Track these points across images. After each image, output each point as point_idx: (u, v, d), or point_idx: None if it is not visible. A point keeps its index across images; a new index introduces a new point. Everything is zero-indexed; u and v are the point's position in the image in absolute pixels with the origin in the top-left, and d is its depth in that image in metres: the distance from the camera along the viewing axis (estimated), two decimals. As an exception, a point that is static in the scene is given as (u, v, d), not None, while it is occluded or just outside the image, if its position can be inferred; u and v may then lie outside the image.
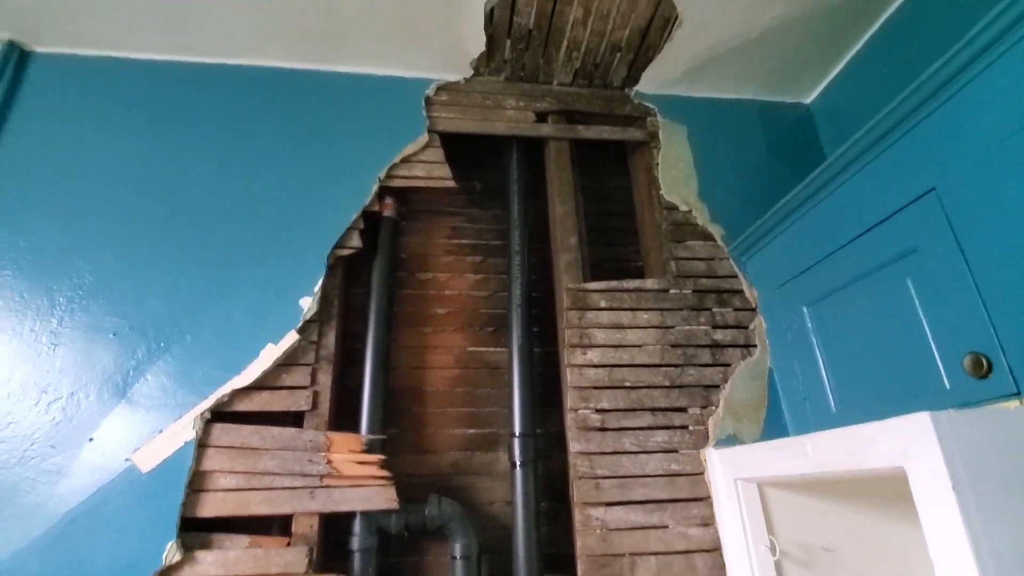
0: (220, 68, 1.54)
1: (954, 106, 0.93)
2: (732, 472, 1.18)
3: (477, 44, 1.53)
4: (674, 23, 1.49)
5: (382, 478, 1.18)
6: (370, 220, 1.47)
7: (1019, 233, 0.83)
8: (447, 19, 1.45)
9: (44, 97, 1.45)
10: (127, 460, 1.13)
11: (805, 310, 1.28)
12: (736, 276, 1.50)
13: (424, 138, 1.54)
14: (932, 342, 0.97)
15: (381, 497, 1.17)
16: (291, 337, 1.26)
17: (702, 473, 1.28)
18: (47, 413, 1.15)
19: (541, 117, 1.66)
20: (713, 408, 1.35)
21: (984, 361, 0.87)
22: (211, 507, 1.11)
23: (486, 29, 1.48)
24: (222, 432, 1.17)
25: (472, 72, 1.65)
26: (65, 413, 1.16)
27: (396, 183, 1.48)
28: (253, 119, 1.50)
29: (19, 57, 1.47)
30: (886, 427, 0.79)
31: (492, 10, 1.43)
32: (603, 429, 1.30)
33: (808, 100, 1.79)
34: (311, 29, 1.47)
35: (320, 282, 1.32)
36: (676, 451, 1.30)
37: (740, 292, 1.48)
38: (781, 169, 1.68)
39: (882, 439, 0.81)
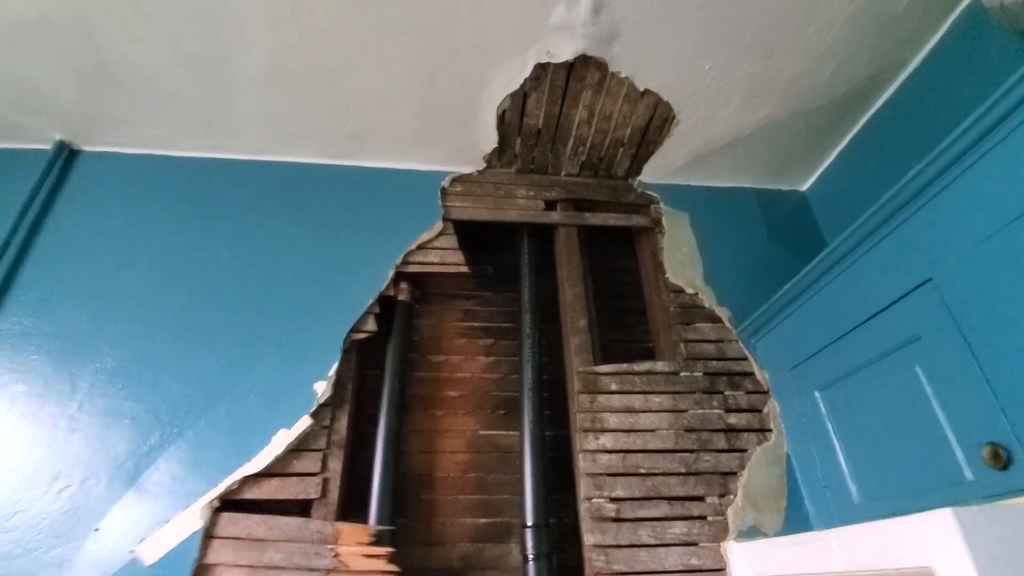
0: (249, 164, 1.67)
1: (941, 202, 0.98)
2: (756, 569, 1.13)
3: (489, 141, 1.65)
4: (671, 122, 1.61)
5: (391, 573, 1.14)
6: (385, 304, 1.51)
7: (1019, 327, 0.85)
8: (463, 122, 1.58)
9: (85, 191, 1.56)
10: (131, 552, 1.10)
11: (818, 394, 1.28)
12: (746, 358, 1.51)
13: (439, 226, 1.62)
14: (948, 431, 0.96)
15: (388, 595, 1.12)
16: (304, 422, 1.26)
17: (723, 569, 1.22)
18: (56, 501, 1.14)
19: (550, 205, 1.76)
20: (731, 497, 1.31)
21: (1003, 453, 0.86)
22: (212, 605, 1.07)
23: (498, 128, 1.61)
24: (229, 522, 1.15)
25: (485, 165, 1.76)
26: (73, 501, 1.15)
27: (412, 269, 1.55)
28: (277, 210, 1.59)
29: (67, 156, 1.61)
30: (911, 524, 0.78)
31: (504, 112, 1.56)
32: (618, 520, 1.26)
33: (803, 188, 1.89)
34: (337, 131, 1.60)
35: (335, 366, 1.35)
36: (695, 544, 1.25)
37: (751, 375, 1.49)
38: (782, 253, 1.73)
39: (908, 537, 0.79)
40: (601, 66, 1.44)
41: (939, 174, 0.98)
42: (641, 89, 1.50)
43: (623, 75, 1.46)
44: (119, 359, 1.31)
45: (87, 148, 1.64)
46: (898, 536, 0.80)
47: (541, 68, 1.44)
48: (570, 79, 1.48)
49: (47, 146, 1.58)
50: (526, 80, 1.46)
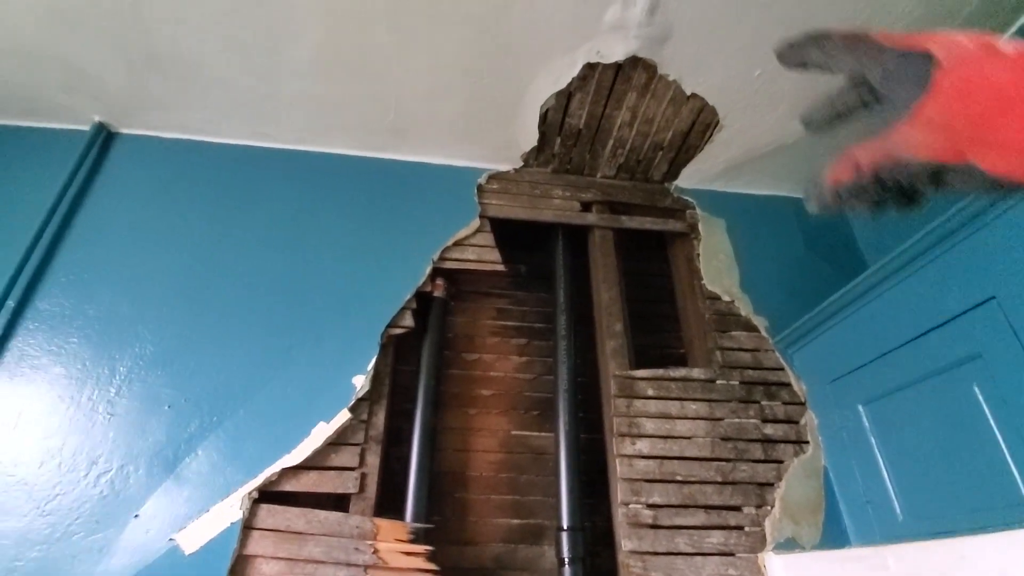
0: (287, 153, 1.66)
1: (1008, 220, 0.97)
2: (797, 581, 1.12)
3: (530, 140, 1.64)
4: (714, 127, 1.60)
5: (429, 572, 1.13)
6: (420, 300, 1.50)
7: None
8: (505, 119, 1.57)
9: (123, 174, 1.56)
10: (171, 540, 1.10)
11: (861, 408, 1.26)
12: (783, 369, 1.50)
13: (476, 223, 1.61)
14: (1006, 451, 0.95)
15: (426, 593, 1.12)
16: (343, 415, 1.26)
17: (761, 580, 1.21)
18: (95, 486, 1.14)
19: (586, 207, 1.75)
20: (768, 508, 1.30)
21: (1070, 476, 0.84)
22: (251, 597, 1.06)
23: (539, 127, 1.59)
24: (268, 514, 1.14)
25: (522, 163, 1.75)
26: (113, 487, 1.14)
27: (448, 265, 1.54)
28: (314, 201, 1.58)
29: (105, 137, 1.60)
30: (983, 543, 0.76)
31: (547, 111, 1.55)
32: (655, 526, 1.25)
33: (840, 199, 1.87)
34: (378, 123, 1.59)
35: (373, 360, 1.34)
36: (733, 554, 1.24)
37: (788, 385, 1.48)
38: (820, 264, 1.72)
39: (978, 555, 0.78)
40: (650, 68, 1.42)
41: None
42: (688, 93, 1.49)
43: (671, 78, 1.45)
44: (158, 345, 1.30)
45: (125, 131, 1.63)
46: (967, 555, 0.79)
47: (589, 68, 1.42)
48: (617, 80, 1.47)
49: (85, 127, 1.57)
50: (573, 79, 1.44)
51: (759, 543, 1.26)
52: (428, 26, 1.30)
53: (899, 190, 0.28)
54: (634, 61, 1.40)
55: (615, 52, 1.37)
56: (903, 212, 0.30)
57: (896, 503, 1.15)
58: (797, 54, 0.34)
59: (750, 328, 1.56)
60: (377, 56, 1.38)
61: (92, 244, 1.42)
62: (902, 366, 1.16)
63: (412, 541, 1.17)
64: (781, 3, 1.25)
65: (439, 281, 1.55)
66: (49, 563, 1.05)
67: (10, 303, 1.30)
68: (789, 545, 1.25)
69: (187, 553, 1.08)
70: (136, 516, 1.12)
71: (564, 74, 1.44)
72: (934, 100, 0.25)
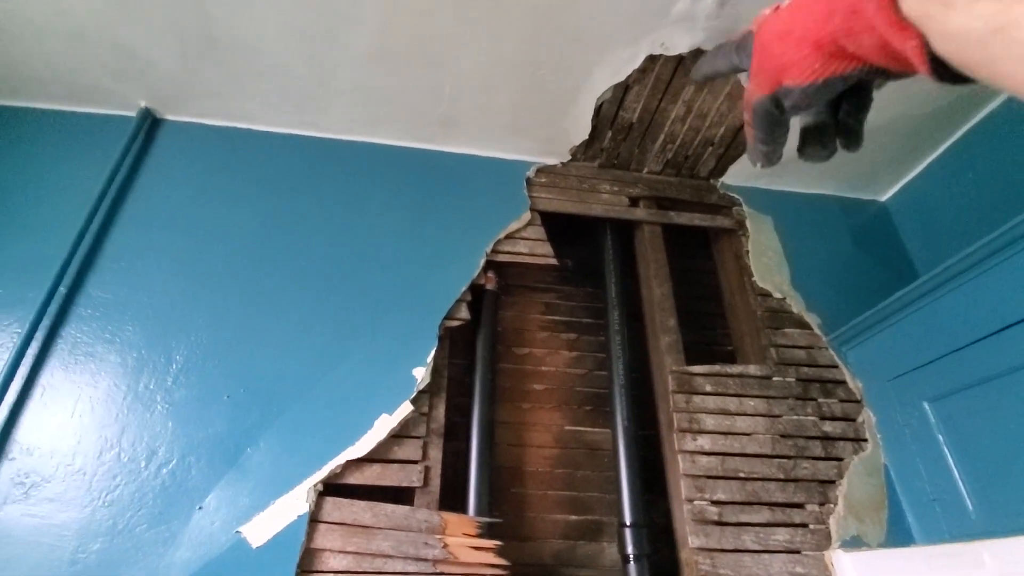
0: (337, 143, 1.63)
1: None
2: (871, 579, 1.11)
3: (581, 133, 1.63)
4: (768, 123, 1.58)
5: (499, 567, 1.11)
6: (472, 293, 1.48)
7: None
8: (559, 112, 1.55)
9: (170, 161, 1.53)
10: (237, 532, 1.07)
11: (927, 406, 1.26)
12: (837, 366, 1.49)
13: (527, 216, 1.59)
14: (1095, 448, 0.94)
15: (496, 589, 1.10)
16: (405, 408, 1.23)
17: (829, 578, 1.20)
18: (156, 477, 1.11)
19: (633, 202, 1.73)
20: (831, 506, 1.29)
21: None
22: (320, 591, 1.04)
23: (592, 120, 1.58)
24: (334, 507, 1.12)
25: (569, 157, 1.73)
26: (175, 478, 1.11)
27: (501, 258, 1.52)
28: (365, 191, 1.56)
29: (151, 123, 1.57)
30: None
31: (601, 104, 1.53)
32: (721, 523, 1.23)
33: (883, 198, 1.87)
34: (428, 114, 1.57)
35: (432, 353, 1.32)
36: (799, 552, 1.22)
37: (843, 383, 1.47)
38: (866, 261, 1.71)
39: (1086, 553, 0.77)
40: (711, 62, 1.41)
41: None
42: (746, 87, 1.47)
43: (731, 72, 1.43)
44: (214, 334, 1.27)
45: (170, 117, 1.60)
46: (1077, 553, 0.77)
47: (650, 60, 1.41)
48: (676, 73, 1.46)
49: (130, 112, 1.54)
50: (633, 72, 1.43)
51: (824, 541, 1.24)
52: (493, 12, 1.28)
53: (770, 123, 0.40)
54: (696, 54, 1.39)
55: (679, 45, 1.36)
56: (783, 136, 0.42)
57: (968, 500, 1.14)
58: (709, 65, 0.45)
59: (803, 325, 1.56)
60: (436, 45, 1.36)
61: (143, 231, 1.39)
62: (974, 363, 1.15)
63: (479, 536, 1.15)
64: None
65: (490, 274, 1.53)
66: (113, 555, 1.02)
67: (62, 289, 1.26)
68: (855, 543, 1.24)
69: (254, 546, 1.06)
70: (200, 508, 1.09)
71: (624, 66, 1.42)
72: (754, 58, 0.38)
